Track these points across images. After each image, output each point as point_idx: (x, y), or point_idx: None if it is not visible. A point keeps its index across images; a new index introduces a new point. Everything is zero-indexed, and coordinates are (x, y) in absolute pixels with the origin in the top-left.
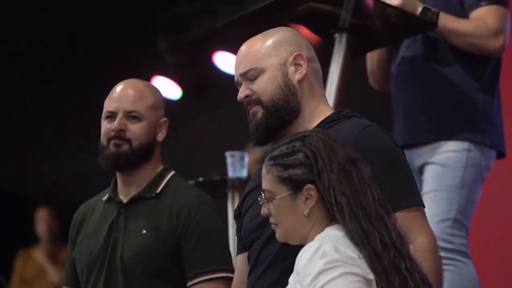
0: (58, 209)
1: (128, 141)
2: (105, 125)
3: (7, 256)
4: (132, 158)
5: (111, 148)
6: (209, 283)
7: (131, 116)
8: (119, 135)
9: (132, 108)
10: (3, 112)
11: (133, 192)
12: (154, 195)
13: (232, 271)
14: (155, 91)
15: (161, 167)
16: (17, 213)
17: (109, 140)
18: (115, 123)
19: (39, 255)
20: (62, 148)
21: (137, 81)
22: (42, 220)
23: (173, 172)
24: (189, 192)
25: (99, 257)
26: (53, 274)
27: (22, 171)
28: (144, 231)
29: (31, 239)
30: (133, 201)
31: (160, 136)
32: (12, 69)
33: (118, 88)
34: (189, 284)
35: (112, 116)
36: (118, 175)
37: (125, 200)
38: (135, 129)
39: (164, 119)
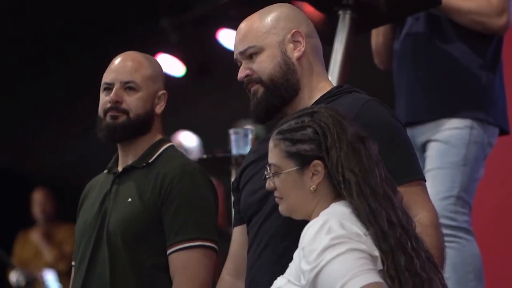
0: (62, 190)
1: (125, 112)
2: (102, 98)
3: (12, 235)
4: (128, 129)
5: (108, 120)
6: (186, 252)
7: (128, 87)
8: (115, 106)
9: (129, 78)
10: (6, 95)
11: (129, 162)
12: (145, 164)
13: (212, 241)
14: (154, 62)
15: (158, 138)
16: (21, 193)
17: (105, 112)
18: (111, 95)
19: (35, 236)
20: (66, 129)
21: (135, 53)
22: (37, 202)
23: (169, 144)
24: (177, 161)
25: (90, 227)
26: (48, 254)
27: (27, 152)
28: (130, 200)
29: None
30: (125, 170)
31: (159, 109)
32: (16, 50)
33: (116, 60)
34: (168, 252)
35: (109, 88)
36: (118, 147)
37: (120, 171)
38: (132, 100)
39: (162, 91)
